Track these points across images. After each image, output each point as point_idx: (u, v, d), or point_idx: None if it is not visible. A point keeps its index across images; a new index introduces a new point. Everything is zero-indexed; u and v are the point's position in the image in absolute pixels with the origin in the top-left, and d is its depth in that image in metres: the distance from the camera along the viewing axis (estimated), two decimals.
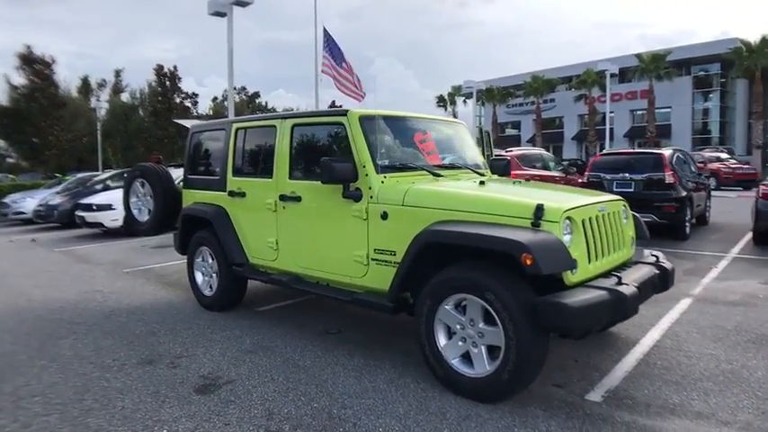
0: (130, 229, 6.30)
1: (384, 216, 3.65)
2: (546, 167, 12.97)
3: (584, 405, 3.10)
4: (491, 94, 44.34)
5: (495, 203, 3.24)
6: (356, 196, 3.78)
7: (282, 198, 4.38)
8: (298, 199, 4.27)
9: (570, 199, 3.38)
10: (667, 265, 3.76)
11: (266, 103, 53.81)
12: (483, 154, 5.18)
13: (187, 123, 7.82)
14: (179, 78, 36.33)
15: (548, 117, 45.12)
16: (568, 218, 3.12)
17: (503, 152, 11.38)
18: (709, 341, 4.14)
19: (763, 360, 3.74)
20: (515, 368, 2.90)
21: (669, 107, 39.96)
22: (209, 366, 3.80)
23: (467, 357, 3.21)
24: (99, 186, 13.09)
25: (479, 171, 4.55)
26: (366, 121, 3.94)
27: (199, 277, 5.45)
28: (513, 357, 2.89)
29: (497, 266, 3.04)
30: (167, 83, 35.44)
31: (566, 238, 3.05)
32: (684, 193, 9.03)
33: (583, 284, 3.09)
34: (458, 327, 3.21)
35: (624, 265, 3.67)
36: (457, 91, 46.48)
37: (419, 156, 4.25)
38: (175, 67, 36.41)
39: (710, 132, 41.96)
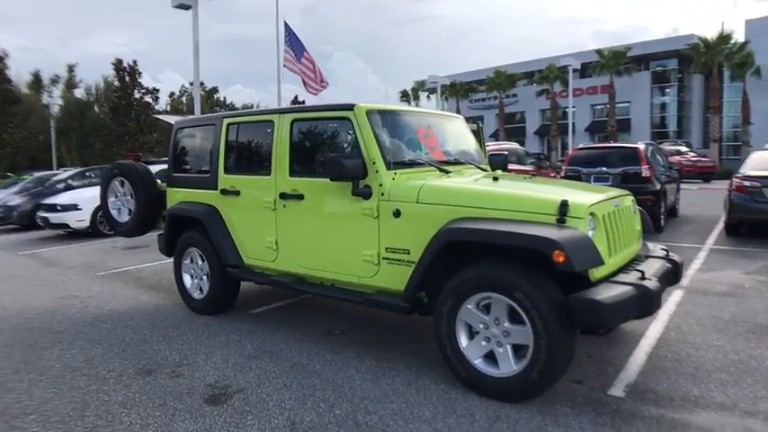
0: (112, 229, 5.96)
1: (397, 214, 3.54)
2: (521, 162, 13.12)
3: (608, 401, 3.08)
4: (454, 89, 44.64)
5: (517, 200, 3.17)
6: (365, 193, 3.66)
7: (283, 196, 4.21)
8: (300, 197, 4.10)
9: (588, 194, 3.36)
10: (677, 258, 3.79)
11: (225, 98, 52.68)
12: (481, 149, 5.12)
13: (170, 119, 7.48)
14: (139, 73, 35.03)
15: (510, 112, 45.76)
16: (591, 213, 3.09)
17: None
18: (711, 332, 4.21)
19: (767, 350, 3.81)
20: (545, 366, 2.85)
21: (628, 102, 41.12)
22: (214, 374, 3.61)
23: (489, 357, 3.14)
24: (61, 186, 12.45)
25: (482, 167, 4.49)
26: (373, 115, 3.81)
27: (187, 280, 5.20)
28: (543, 356, 2.84)
29: (523, 264, 2.98)
30: (127, 78, 34.08)
31: (590, 234, 3.01)
32: (659, 186, 9.26)
33: (605, 280, 3.06)
34: (481, 326, 3.14)
35: (635, 260, 3.68)
36: (420, 86, 46.56)
37: (424, 151, 4.16)
38: (135, 62, 35.13)
39: (668, 126, 43.42)
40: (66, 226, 10.42)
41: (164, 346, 4.21)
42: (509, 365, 3.03)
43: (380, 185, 3.61)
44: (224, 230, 4.72)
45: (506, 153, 5.88)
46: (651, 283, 3.03)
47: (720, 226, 9.51)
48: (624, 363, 3.64)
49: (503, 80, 41.39)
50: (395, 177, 3.64)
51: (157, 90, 37.02)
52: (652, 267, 3.41)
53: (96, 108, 36.36)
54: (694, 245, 7.94)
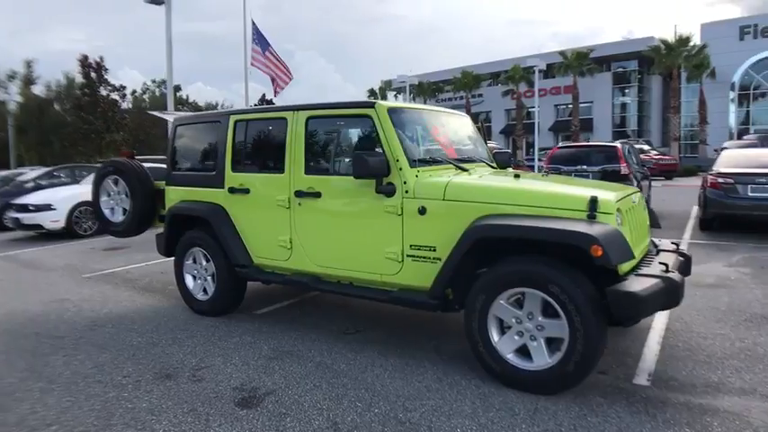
0: (105, 230, 5.75)
1: (422, 211, 3.55)
2: None
3: (636, 390, 3.18)
4: (421, 89, 44.98)
5: (547, 197, 3.23)
6: (389, 191, 3.65)
7: (298, 194, 4.16)
8: (317, 195, 4.06)
9: (608, 191, 3.44)
10: (687, 252, 3.93)
11: (188, 96, 51.41)
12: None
13: (168, 116, 7.26)
14: (106, 70, 33.74)
15: (476, 111, 46.41)
16: (618, 209, 3.17)
17: None
18: (713, 322, 4.39)
19: None
20: (582, 358, 2.92)
21: (591, 102, 42.36)
22: (238, 377, 3.54)
23: (522, 351, 3.19)
24: (30, 185, 11.92)
25: (492, 164, 4.55)
26: (395, 113, 3.81)
27: (190, 281, 5.08)
28: (580, 348, 2.90)
29: (557, 259, 3.04)
30: (93, 74, 32.77)
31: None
32: (636, 183, 9.57)
33: (631, 274, 3.16)
34: (513, 321, 3.18)
35: (648, 254, 3.80)
36: (388, 85, 46.74)
37: (440, 149, 4.18)
38: (102, 58, 33.80)
39: (628, 125, 44.89)
40: (40, 227, 9.99)
41: (175, 350, 4.10)
42: (543, 359, 3.09)
43: (404, 183, 3.61)
44: (232, 229, 4.62)
45: (509, 151, 5.96)
46: (675, 275, 3.14)
47: (692, 221, 9.90)
48: (640, 353, 3.76)
49: (469, 80, 41.95)
50: (418, 175, 3.65)
51: (124, 87, 35.88)
52: (671, 260, 3.53)
53: (57, 105, 34.85)
54: (672, 240, 8.21)
